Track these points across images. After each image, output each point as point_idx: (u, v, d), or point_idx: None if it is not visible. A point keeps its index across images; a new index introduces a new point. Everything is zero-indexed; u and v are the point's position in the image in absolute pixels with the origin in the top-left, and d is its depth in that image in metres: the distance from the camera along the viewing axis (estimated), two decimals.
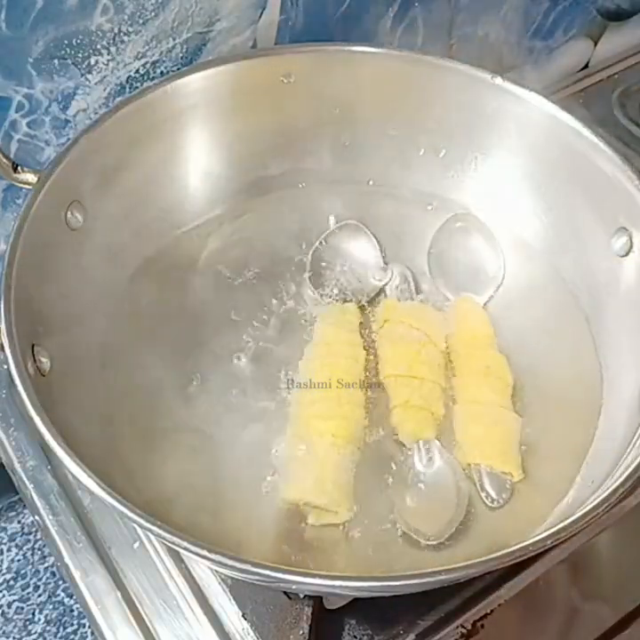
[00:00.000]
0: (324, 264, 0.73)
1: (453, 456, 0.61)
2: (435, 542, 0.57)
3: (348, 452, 0.60)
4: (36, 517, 0.67)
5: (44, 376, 0.54)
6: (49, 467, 0.68)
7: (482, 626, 0.60)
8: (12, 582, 0.79)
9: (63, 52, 0.64)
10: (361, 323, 0.70)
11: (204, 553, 0.44)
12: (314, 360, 0.65)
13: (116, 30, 0.65)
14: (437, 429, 0.63)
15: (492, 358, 0.66)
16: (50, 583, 0.79)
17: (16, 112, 0.64)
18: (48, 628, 0.77)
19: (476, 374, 0.65)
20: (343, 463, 0.60)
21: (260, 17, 0.72)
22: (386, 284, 0.72)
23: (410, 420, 0.62)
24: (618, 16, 1.00)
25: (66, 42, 0.63)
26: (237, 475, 0.60)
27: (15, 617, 0.77)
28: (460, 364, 0.67)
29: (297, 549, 0.57)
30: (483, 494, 0.60)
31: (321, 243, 0.73)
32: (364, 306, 0.71)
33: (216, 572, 0.61)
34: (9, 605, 0.78)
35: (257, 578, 0.46)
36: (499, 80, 0.70)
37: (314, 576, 0.45)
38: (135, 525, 0.52)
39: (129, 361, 0.64)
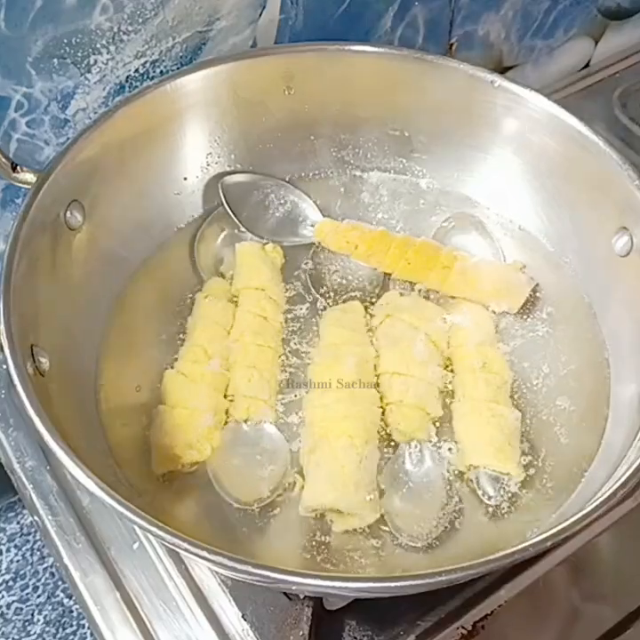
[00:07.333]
0: (322, 264, 0.73)
1: (447, 458, 0.61)
2: (419, 544, 0.57)
3: (368, 453, 0.59)
4: (35, 518, 0.67)
5: (43, 376, 0.54)
6: (48, 467, 0.68)
7: (482, 627, 0.60)
8: (11, 583, 0.79)
9: (62, 51, 0.63)
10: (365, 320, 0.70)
11: (204, 554, 0.44)
12: (323, 362, 0.65)
13: (115, 29, 0.65)
14: (433, 430, 0.63)
15: (489, 355, 0.65)
16: (49, 584, 0.79)
17: (15, 111, 0.64)
18: (47, 629, 0.77)
19: (473, 371, 0.64)
20: (364, 464, 0.58)
21: (260, 16, 0.72)
22: (384, 283, 0.72)
23: (403, 419, 0.62)
24: (619, 15, 1.00)
25: (65, 41, 0.63)
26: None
27: (14, 618, 0.77)
28: (459, 360, 0.66)
29: (324, 557, 0.56)
30: (481, 494, 0.59)
31: (319, 244, 0.73)
32: (366, 306, 0.71)
33: (216, 572, 0.61)
34: (8, 606, 0.78)
35: (257, 579, 0.46)
36: (499, 79, 0.69)
37: (313, 577, 0.44)
38: (135, 526, 0.52)
39: (128, 360, 0.64)
